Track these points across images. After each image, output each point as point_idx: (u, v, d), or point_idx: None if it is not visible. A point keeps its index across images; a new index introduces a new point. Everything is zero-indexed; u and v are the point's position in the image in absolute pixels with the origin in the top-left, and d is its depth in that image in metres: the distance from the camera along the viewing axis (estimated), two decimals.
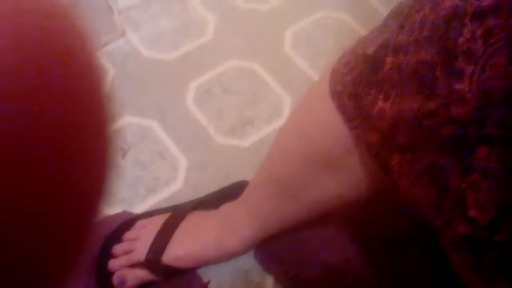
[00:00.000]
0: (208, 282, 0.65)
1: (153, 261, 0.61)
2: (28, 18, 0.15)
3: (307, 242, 0.68)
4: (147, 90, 0.80)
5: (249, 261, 0.67)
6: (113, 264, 0.61)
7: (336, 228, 0.70)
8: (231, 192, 0.66)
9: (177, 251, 0.61)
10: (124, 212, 0.69)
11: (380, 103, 0.36)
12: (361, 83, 0.38)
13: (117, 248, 0.62)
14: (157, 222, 0.63)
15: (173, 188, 0.71)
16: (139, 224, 0.65)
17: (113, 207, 0.69)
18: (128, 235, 0.63)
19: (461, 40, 0.30)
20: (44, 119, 0.14)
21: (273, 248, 0.68)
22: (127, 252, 0.62)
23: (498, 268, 0.32)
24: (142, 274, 0.61)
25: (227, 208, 0.63)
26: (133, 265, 0.61)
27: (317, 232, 0.69)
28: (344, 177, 0.48)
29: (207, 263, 0.64)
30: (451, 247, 0.34)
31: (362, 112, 0.38)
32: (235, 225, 0.61)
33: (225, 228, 0.61)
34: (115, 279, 0.60)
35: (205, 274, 0.65)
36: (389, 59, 0.35)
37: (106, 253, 0.63)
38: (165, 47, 0.84)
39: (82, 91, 0.16)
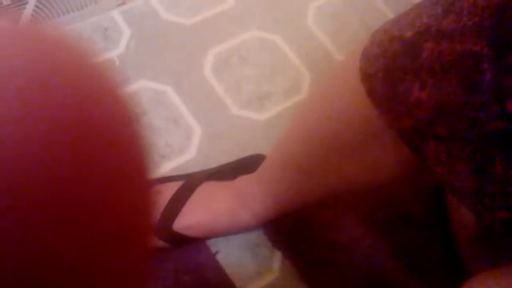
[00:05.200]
0: (216, 252, 0.68)
1: (163, 228, 0.63)
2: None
3: (317, 221, 0.71)
4: (164, 54, 0.81)
5: (258, 235, 0.70)
6: None
7: (346, 208, 0.73)
8: (246, 165, 0.69)
9: (189, 220, 0.64)
10: None
11: (415, 91, 0.36)
12: (396, 67, 0.38)
13: None
14: (170, 189, 0.66)
15: (186, 157, 0.74)
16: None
17: None
18: None
19: None
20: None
21: (283, 224, 0.70)
22: None
23: None
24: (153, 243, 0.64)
25: (242, 180, 0.65)
26: None
27: (327, 211, 0.72)
28: (365, 162, 0.49)
29: (217, 234, 0.67)
30: (488, 228, 0.35)
31: (395, 97, 0.38)
32: (248, 199, 0.63)
33: (238, 201, 0.64)
34: None
35: (214, 244, 0.68)
36: (429, 45, 0.35)
37: None
38: (184, 10, 0.85)
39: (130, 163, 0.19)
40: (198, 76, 0.80)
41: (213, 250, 0.68)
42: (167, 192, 0.66)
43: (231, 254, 0.68)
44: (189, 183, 0.66)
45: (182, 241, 0.65)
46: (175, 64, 0.81)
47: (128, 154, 0.19)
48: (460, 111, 0.33)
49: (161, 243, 0.65)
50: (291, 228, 0.70)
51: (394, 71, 0.38)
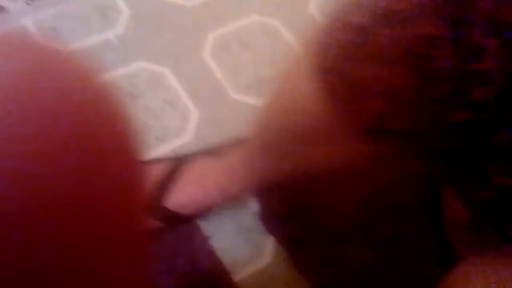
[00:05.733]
0: (209, 237, 0.68)
1: (156, 206, 0.64)
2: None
3: (311, 207, 0.71)
4: (163, 36, 0.81)
5: (252, 221, 0.70)
6: None
7: (342, 195, 0.73)
8: (236, 145, 0.69)
9: (181, 198, 0.65)
10: None
11: (370, 81, 0.33)
12: (349, 56, 0.35)
13: None
14: (161, 169, 0.66)
15: (183, 139, 0.73)
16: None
17: None
18: None
19: (480, 4, 0.26)
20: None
21: (276, 210, 0.71)
22: None
23: None
24: (152, 224, 0.64)
25: (229, 157, 0.66)
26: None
27: (322, 197, 0.72)
28: (332, 149, 0.49)
29: (209, 208, 0.68)
30: (475, 213, 0.34)
31: (352, 90, 0.35)
32: (235, 175, 0.64)
33: (226, 176, 0.65)
34: None
35: (207, 229, 0.68)
36: (381, 30, 0.32)
37: None
38: None
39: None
40: (197, 59, 0.79)
41: (206, 235, 0.68)
42: (158, 172, 0.66)
43: (224, 239, 0.68)
44: (178, 162, 0.67)
45: (176, 219, 0.66)
46: (174, 46, 0.80)
47: (113, 136, 0.20)
48: (419, 103, 0.30)
49: (156, 223, 0.65)
50: (285, 214, 0.71)
51: (347, 61, 0.35)
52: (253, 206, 0.71)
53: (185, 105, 0.76)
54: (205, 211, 0.68)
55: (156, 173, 0.66)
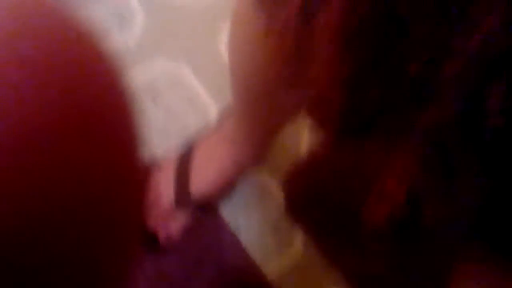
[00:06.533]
0: (236, 230, 0.68)
1: (183, 196, 0.65)
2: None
3: (337, 195, 0.70)
4: (178, 33, 0.81)
5: (279, 211, 0.69)
6: (149, 221, 0.65)
7: (373, 180, 0.71)
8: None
9: (202, 186, 0.66)
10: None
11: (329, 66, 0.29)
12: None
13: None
14: (170, 160, 0.67)
15: None
16: (153, 170, 0.68)
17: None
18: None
19: None
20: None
21: (301, 199, 0.70)
22: (156, 201, 0.65)
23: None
24: (182, 219, 0.65)
25: (229, 127, 0.67)
26: (168, 212, 0.65)
27: (350, 181, 0.70)
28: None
29: (234, 184, 0.69)
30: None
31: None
32: (239, 144, 0.65)
33: (234, 148, 0.65)
34: (160, 239, 0.65)
35: (234, 221, 0.69)
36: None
37: None
38: None
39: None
40: (213, 53, 0.79)
41: (233, 227, 0.68)
42: (169, 164, 0.67)
43: (251, 232, 0.69)
44: (186, 147, 0.68)
45: (207, 205, 0.67)
46: (189, 42, 0.80)
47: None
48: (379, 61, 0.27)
49: (190, 216, 0.66)
50: (310, 202, 0.70)
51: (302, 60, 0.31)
52: (279, 196, 0.71)
53: (204, 101, 0.76)
54: (230, 187, 0.69)
55: (167, 166, 0.67)
